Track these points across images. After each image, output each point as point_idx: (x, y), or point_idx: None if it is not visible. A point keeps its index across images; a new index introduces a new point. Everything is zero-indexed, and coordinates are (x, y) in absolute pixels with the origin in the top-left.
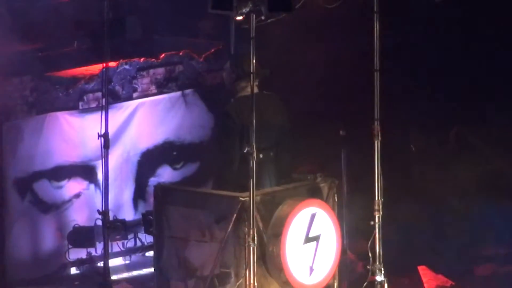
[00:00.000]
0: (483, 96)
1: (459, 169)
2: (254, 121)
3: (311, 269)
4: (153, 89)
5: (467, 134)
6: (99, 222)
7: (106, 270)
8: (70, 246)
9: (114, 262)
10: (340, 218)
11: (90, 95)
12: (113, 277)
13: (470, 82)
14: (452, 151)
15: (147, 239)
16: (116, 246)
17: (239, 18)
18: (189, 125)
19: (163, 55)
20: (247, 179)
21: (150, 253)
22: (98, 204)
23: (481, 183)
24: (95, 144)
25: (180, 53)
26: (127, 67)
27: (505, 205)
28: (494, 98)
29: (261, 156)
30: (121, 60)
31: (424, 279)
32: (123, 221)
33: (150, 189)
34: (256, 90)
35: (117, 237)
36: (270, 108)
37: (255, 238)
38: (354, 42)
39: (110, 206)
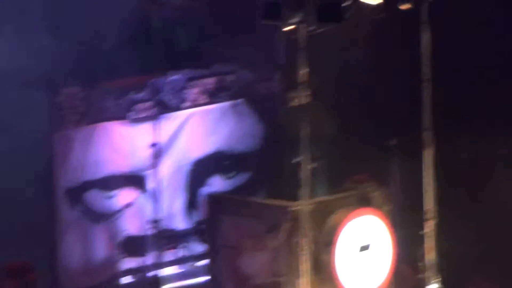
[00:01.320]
0: None
1: None
2: (306, 131)
3: (364, 278)
4: (203, 98)
5: None
6: (151, 232)
7: (158, 279)
8: (121, 256)
9: (166, 271)
10: (393, 227)
11: (140, 105)
12: (165, 287)
13: None
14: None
15: (199, 248)
16: (167, 256)
17: (289, 28)
18: (240, 135)
19: (213, 65)
20: (298, 188)
21: (202, 263)
22: (149, 213)
23: None
24: (145, 154)
25: (231, 63)
26: (177, 77)
27: None
28: None
29: (312, 166)
30: (170, 71)
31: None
32: (174, 231)
33: (202, 199)
34: (306, 100)
35: (169, 246)
36: (320, 118)
37: (307, 247)
38: (405, 51)
39: (162, 215)
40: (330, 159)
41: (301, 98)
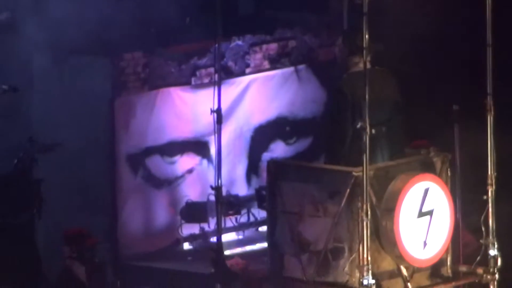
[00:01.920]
0: None
1: None
2: (367, 96)
3: (425, 244)
4: (266, 64)
5: None
6: (212, 198)
7: (219, 245)
8: (183, 222)
9: (227, 237)
10: (453, 193)
11: (203, 71)
12: (226, 252)
13: None
14: None
15: (260, 214)
16: (229, 222)
17: None
18: (302, 101)
19: (276, 30)
20: (359, 154)
21: (263, 228)
22: (211, 179)
23: None
24: (208, 119)
25: (293, 29)
26: (239, 42)
27: None
28: None
29: (373, 131)
30: (233, 36)
31: None
32: (236, 196)
33: (263, 165)
34: (368, 65)
35: (230, 212)
36: (382, 84)
37: (369, 213)
38: (468, 16)
39: (223, 181)
40: (391, 125)
41: (362, 63)
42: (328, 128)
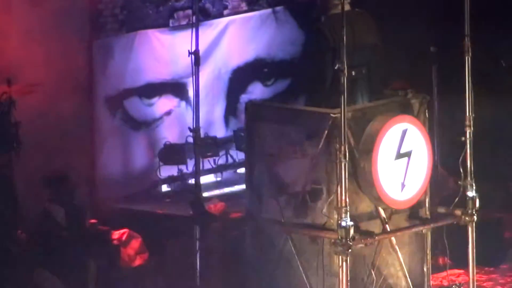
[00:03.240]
0: None
1: None
2: (344, 38)
3: (403, 185)
4: (243, 6)
5: None
6: (190, 139)
7: (198, 187)
8: (161, 164)
9: (205, 179)
10: (431, 134)
11: (180, 13)
12: (205, 194)
13: None
14: None
15: (239, 156)
16: (207, 163)
17: None
18: (280, 42)
19: None
20: (338, 96)
21: (242, 170)
22: (189, 121)
23: None
24: (186, 61)
25: None
26: None
27: None
28: None
29: (353, 73)
30: None
31: None
32: (214, 138)
33: (241, 106)
34: (347, 7)
35: (208, 154)
36: (362, 26)
37: (347, 154)
38: None
39: (201, 123)
40: (371, 67)
41: (343, 5)
42: (309, 70)
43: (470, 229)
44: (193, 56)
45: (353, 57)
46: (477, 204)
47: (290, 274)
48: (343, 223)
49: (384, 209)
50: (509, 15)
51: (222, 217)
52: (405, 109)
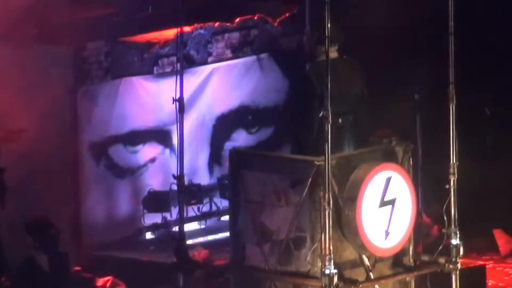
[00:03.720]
0: None
1: None
2: (329, 85)
3: (387, 233)
4: (228, 53)
5: None
6: (174, 187)
7: (181, 234)
8: (145, 211)
9: (189, 226)
10: (415, 182)
11: (165, 60)
12: (189, 242)
13: None
14: None
15: (223, 203)
16: (191, 211)
17: None
18: (264, 90)
19: (238, 19)
20: (322, 143)
21: (226, 218)
22: (173, 168)
23: None
24: (170, 108)
25: (255, 18)
26: (202, 31)
27: None
28: None
29: (340, 121)
30: (196, 25)
31: (499, 242)
32: (198, 186)
33: (225, 154)
34: (335, 54)
35: (192, 201)
36: (349, 73)
37: (331, 202)
38: (429, 5)
39: (185, 170)
40: (357, 115)
41: (329, 53)
42: (295, 117)
43: (454, 277)
44: (177, 103)
45: (340, 105)
46: (461, 252)
47: None
48: (327, 271)
49: (368, 257)
50: (494, 62)
51: (206, 264)
52: (389, 157)
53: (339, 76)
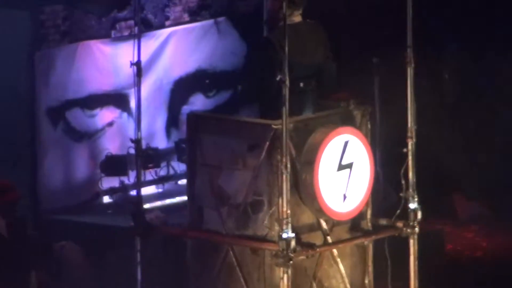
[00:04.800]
0: None
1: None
2: (286, 48)
3: (344, 197)
4: (185, 17)
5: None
6: (132, 151)
7: (139, 198)
8: (102, 175)
9: (147, 190)
10: (373, 146)
11: (123, 24)
12: (146, 206)
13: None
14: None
15: (180, 167)
16: (149, 175)
17: None
18: (222, 53)
19: None
20: (280, 107)
21: (183, 182)
22: (131, 132)
23: None
24: (128, 72)
25: None
26: None
27: None
28: None
29: (301, 85)
30: None
31: (458, 207)
32: (155, 149)
33: (183, 117)
34: (299, 18)
35: (150, 165)
36: (313, 37)
37: (288, 166)
38: None
39: (143, 134)
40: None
41: (294, 16)
42: (249, 81)
43: (412, 241)
44: (135, 67)
45: (303, 69)
46: (419, 216)
47: (231, 286)
48: (284, 235)
49: (325, 221)
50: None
51: (163, 228)
52: (347, 120)
53: (303, 40)
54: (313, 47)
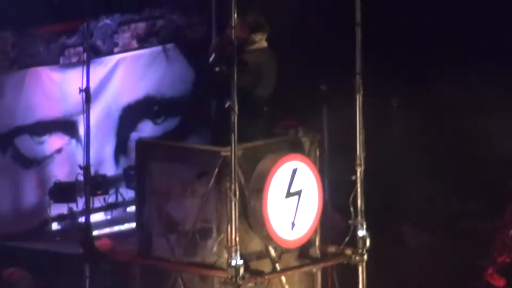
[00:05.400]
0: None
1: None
2: (235, 75)
3: (293, 224)
4: (134, 43)
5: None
6: (81, 177)
7: (88, 225)
8: (51, 202)
9: (95, 217)
10: (322, 173)
11: (71, 50)
12: (95, 233)
13: (453, 36)
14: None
15: (129, 194)
16: (97, 202)
17: None
18: (170, 80)
19: (144, 9)
20: (228, 134)
21: (132, 208)
22: (80, 159)
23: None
24: (77, 99)
25: (161, 8)
26: (108, 21)
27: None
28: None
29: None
30: (102, 15)
31: (406, 235)
32: (104, 176)
33: (132, 144)
34: (265, 44)
35: (99, 192)
36: (272, 66)
37: (237, 193)
38: None
39: (92, 161)
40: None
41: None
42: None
43: (360, 268)
44: (83, 94)
45: (265, 92)
46: (368, 243)
47: None
48: (233, 262)
49: (274, 248)
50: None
51: (112, 255)
52: (295, 147)
53: (270, 65)
54: (270, 75)
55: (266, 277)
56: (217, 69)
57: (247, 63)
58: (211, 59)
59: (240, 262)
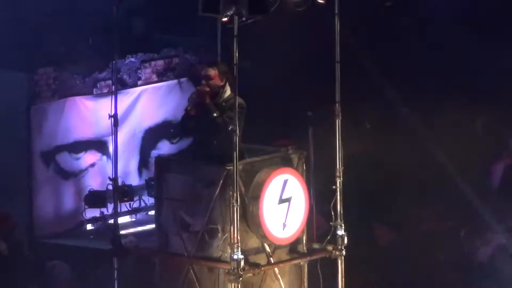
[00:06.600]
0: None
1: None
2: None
3: (284, 225)
4: (154, 77)
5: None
6: (110, 187)
7: (116, 226)
8: (86, 207)
9: (122, 219)
10: (308, 183)
11: (102, 83)
12: (122, 232)
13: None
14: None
15: (150, 200)
16: (124, 207)
17: (225, 19)
18: (184, 107)
19: (162, 49)
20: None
21: (152, 212)
22: (109, 172)
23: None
24: (107, 123)
25: (177, 48)
26: (133, 59)
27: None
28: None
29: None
30: (127, 54)
31: (377, 235)
32: (130, 186)
33: (152, 160)
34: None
35: (125, 199)
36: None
37: (238, 200)
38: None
39: (119, 173)
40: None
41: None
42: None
43: (339, 262)
44: (112, 119)
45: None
46: (345, 241)
47: None
48: (235, 256)
49: (268, 245)
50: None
51: (136, 251)
52: (286, 162)
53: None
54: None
55: (262, 268)
56: (215, 114)
57: (243, 106)
58: (188, 106)
59: (241, 256)
